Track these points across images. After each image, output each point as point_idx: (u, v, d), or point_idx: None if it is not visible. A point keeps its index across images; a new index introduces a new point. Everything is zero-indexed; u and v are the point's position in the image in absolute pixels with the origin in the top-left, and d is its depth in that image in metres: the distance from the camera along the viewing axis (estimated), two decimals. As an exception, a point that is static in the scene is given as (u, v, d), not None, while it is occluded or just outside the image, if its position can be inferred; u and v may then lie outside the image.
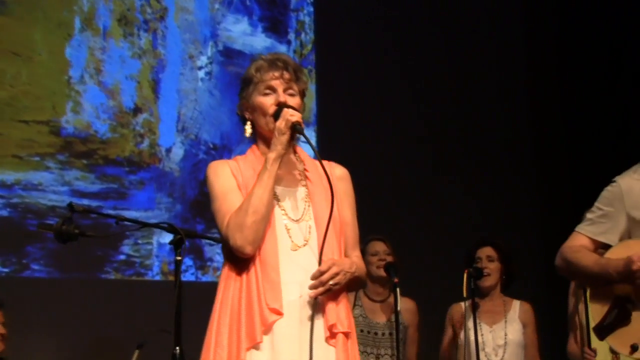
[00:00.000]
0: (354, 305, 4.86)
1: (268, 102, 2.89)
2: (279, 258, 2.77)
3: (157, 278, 5.79)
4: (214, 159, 5.79)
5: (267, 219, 2.76)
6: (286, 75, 2.93)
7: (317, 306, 2.75)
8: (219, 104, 6.21)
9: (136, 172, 5.85)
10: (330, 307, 2.78)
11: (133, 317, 5.28)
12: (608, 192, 3.26)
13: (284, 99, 2.89)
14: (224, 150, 6.11)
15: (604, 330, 3.12)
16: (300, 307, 2.75)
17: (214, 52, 6.28)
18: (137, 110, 5.92)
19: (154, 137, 5.95)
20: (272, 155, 2.80)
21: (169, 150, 5.99)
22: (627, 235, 3.19)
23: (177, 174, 5.98)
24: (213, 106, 6.20)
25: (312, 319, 2.73)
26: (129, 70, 5.93)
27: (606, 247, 3.23)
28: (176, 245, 3.18)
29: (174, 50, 6.12)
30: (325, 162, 2.95)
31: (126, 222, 3.35)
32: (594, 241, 3.24)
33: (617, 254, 3.12)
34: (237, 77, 6.00)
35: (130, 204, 5.76)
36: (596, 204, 3.28)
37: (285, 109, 2.83)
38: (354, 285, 2.92)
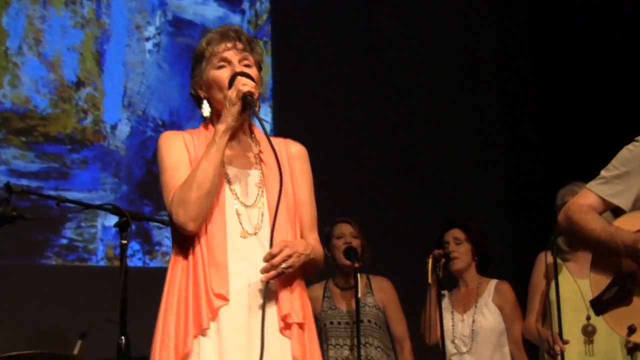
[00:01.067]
0: (324, 297, 4.87)
1: (224, 74, 2.86)
2: (227, 244, 2.75)
3: (102, 263, 5.77)
4: (163, 136, 5.78)
5: (213, 195, 2.75)
6: (239, 45, 2.89)
7: (268, 294, 2.72)
8: (167, 77, 6.18)
9: (79, 150, 5.81)
10: (284, 296, 2.77)
11: (76, 305, 5.26)
12: (629, 151, 3.12)
13: (240, 69, 2.84)
14: (174, 127, 6.07)
15: (601, 306, 3.09)
16: (249, 295, 2.73)
17: (162, 22, 6.24)
18: (79, 84, 5.88)
19: (98, 113, 5.92)
20: (221, 127, 2.76)
21: (114, 127, 5.96)
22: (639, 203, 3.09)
23: (123, 153, 5.95)
24: (162, 80, 6.17)
25: (263, 308, 2.70)
26: (71, 41, 5.88)
27: (616, 210, 3.14)
28: (122, 228, 3.19)
29: (119, 19, 6.07)
30: (280, 140, 2.94)
31: (68, 204, 3.36)
32: (604, 201, 3.12)
33: (627, 224, 3.03)
34: (187, 49, 6.00)
35: (73, 185, 5.73)
36: (613, 161, 3.15)
37: (239, 77, 2.79)
38: (310, 269, 2.89)
